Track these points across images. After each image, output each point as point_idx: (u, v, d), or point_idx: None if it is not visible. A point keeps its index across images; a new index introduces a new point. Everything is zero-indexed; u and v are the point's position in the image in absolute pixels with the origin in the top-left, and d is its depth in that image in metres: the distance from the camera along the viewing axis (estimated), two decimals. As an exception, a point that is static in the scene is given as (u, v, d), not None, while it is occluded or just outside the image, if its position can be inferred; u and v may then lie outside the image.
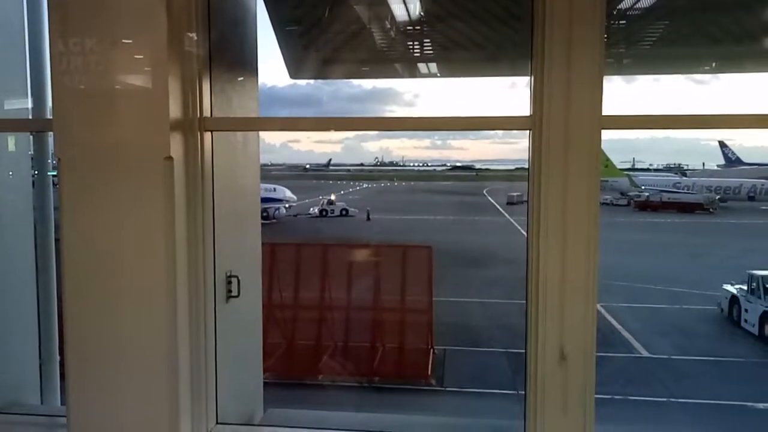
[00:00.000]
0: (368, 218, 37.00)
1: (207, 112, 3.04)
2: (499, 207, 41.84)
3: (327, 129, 3.16)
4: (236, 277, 3.28)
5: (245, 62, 3.59)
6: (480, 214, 39.32)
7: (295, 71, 3.89)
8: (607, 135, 2.79)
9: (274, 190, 36.07)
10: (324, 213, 38.23)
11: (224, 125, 3.20)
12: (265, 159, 69.33)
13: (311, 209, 38.42)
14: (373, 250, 15.05)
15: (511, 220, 32.83)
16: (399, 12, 3.36)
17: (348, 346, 14.01)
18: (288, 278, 14.31)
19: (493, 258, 22.06)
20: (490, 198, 49.46)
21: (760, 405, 12.30)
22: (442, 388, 13.28)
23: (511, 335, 14.38)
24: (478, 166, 78.69)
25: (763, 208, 43.20)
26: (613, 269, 21.50)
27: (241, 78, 3.50)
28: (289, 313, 14.22)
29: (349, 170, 75.71)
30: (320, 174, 67.77)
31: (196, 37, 2.91)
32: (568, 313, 2.80)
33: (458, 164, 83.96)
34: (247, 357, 3.80)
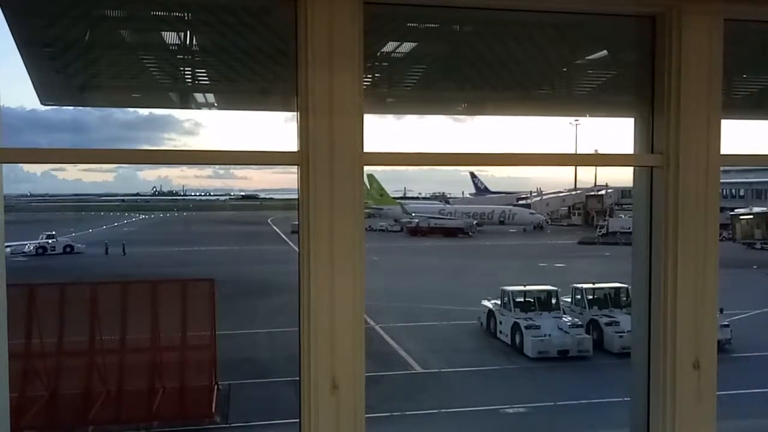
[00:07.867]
0: (124, 252, 34.21)
1: None
2: (283, 236, 42.01)
3: (88, 161, 2.93)
4: None
5: None
6: (265, 243, 39.11)
7: (47, 97, 3.52)
8: (380, 166, 2.92)
9: None
10: (42, 251, 34.14)
11: None
12: (23, 189, 61.24)
13: (27, 247, 33.93)
14: (149, 286, 14.16)
15: (296, 248, 32.97)
16: (171, 39, 3.22)
17: (123, 391, 13.04)
18: (50, 323, 13.03)
19: (278, 286, 22.07)
20: (274, 227, 49.36)
21: (510, 409, 14.10)
22: (227, 425, 12.89)
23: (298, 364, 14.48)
24: (262, 195, 78.35)
25: (512, 231, 49.98)
26: (389, 291, 22.99)
27: None
28: (52, 361, 12.91)
29: (123, 201, 69.93)
30: (84, 206, 61.68)
31: None
32: (339, 341, 2.90)
33: (242, 193, 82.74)
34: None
